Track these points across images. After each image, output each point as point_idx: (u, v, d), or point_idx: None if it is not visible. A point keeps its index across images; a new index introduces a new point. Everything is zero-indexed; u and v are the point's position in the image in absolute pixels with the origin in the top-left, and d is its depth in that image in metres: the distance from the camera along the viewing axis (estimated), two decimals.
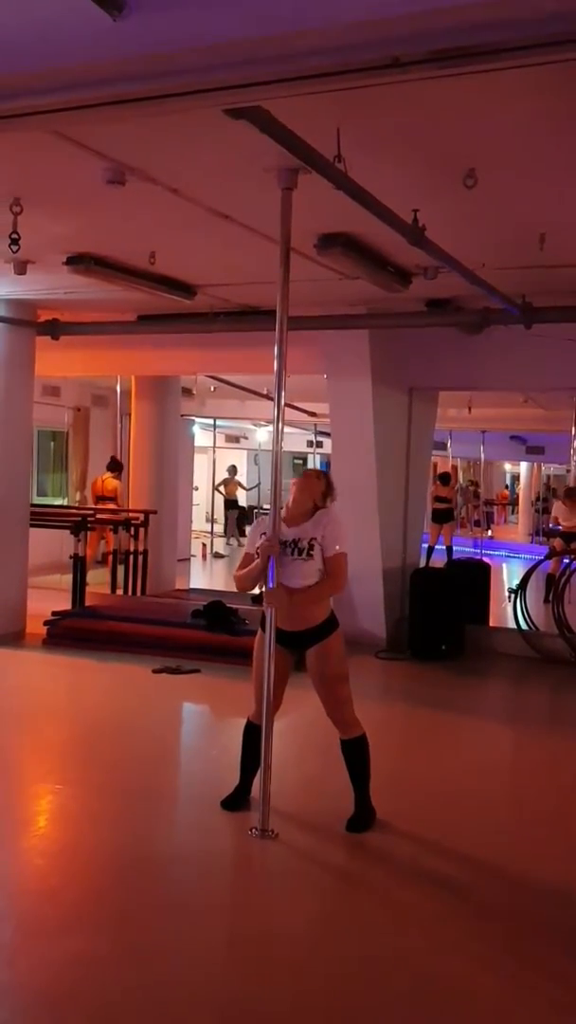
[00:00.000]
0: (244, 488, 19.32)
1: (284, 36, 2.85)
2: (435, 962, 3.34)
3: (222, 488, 18.36)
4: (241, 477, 20.61)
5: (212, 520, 18.79)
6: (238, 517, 21.36)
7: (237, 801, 4.60)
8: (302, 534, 4.39)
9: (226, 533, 18.52)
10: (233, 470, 18.69)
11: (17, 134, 3.83)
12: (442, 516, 15.17)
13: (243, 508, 21.65)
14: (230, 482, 18.58)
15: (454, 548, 15.31)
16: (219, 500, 19.04)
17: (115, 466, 12.76)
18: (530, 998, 3.15)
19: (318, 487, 4.56)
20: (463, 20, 2.73)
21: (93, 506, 12.31)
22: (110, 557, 11.36)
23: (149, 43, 2.95)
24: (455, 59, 2.84)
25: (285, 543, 4.38)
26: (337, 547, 4.40)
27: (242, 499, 20.07)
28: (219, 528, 18.52)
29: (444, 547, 14.97)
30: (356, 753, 4.47)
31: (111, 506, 12.16)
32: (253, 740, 4.52)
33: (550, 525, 13.25)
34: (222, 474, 18.94)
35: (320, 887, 3.98)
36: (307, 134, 3.74)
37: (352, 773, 4.47)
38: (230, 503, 18.62)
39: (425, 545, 14.15)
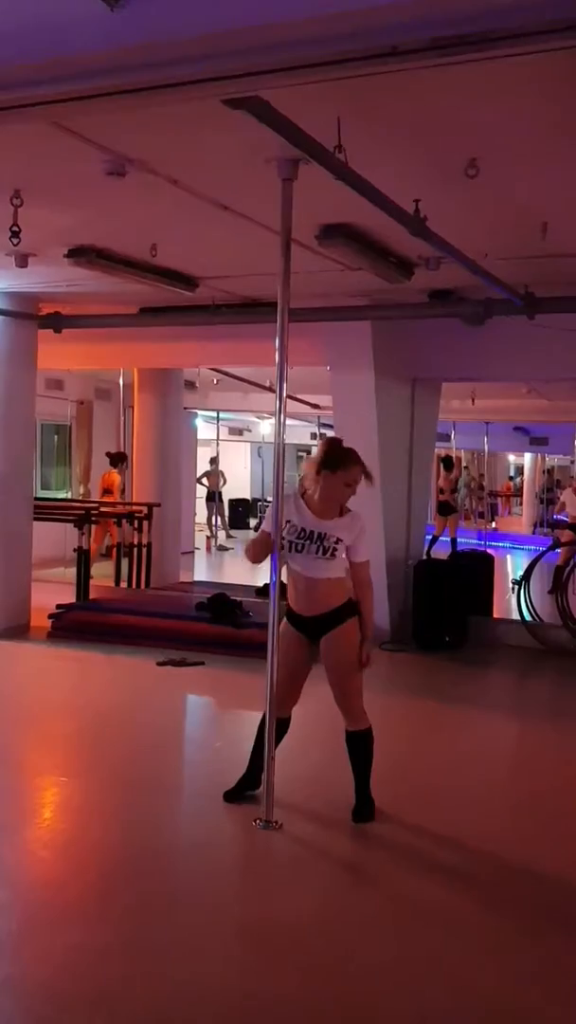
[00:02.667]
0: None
1: (282, 25, 2.82)
2: (440, 953, 3.34)
3: (204, 480, 18.32)
4: (245, 470, 20.59)
5: (217, 513, 18.80)
6: (240, 511, 21.37)
7: (240, 793, 4.59)
8: (329, 531, 4.27)
9: (209, 525, 18.48)
10: (214, 461, 18.65)
11: (16, 126, 3.81)
12: (446, 507, 15.13)
13: (246, 500, 21.65)
14: (212, 474, 18.53)
15: (458, 540, 15.29)
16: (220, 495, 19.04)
17: (118, 459, 12.75)
18: (534, 988, 3.16)
19: (350, 492, 4.32)
20: (462, 7, 2.71)
21: (99, 500, 12.34)
22: (115, 550, 11.38)
23: (147, 32, 2.94)
24: (454, 47, 2.82)
25: (309, 534, 4.27)
26: (364, 556, 4.37)
27: (244, 491, 20.08)
28: (204, 519, 18.50)
29: (449, 539, 14.94)
30: (361, 746, 4.45)
31: (108, 499, 12.18)
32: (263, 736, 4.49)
33: (554, 516, 13.19)
34: (223, 467, 18.92)
35: (324, 878, 3.99)
36: (307, 124, 3.71)
37: (355, 765, 4.46)
38: (211, 495, 18.59)
39: (428, 536, 14.14)
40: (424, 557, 9.62)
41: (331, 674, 4.39)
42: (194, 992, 3.04)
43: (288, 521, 4.33)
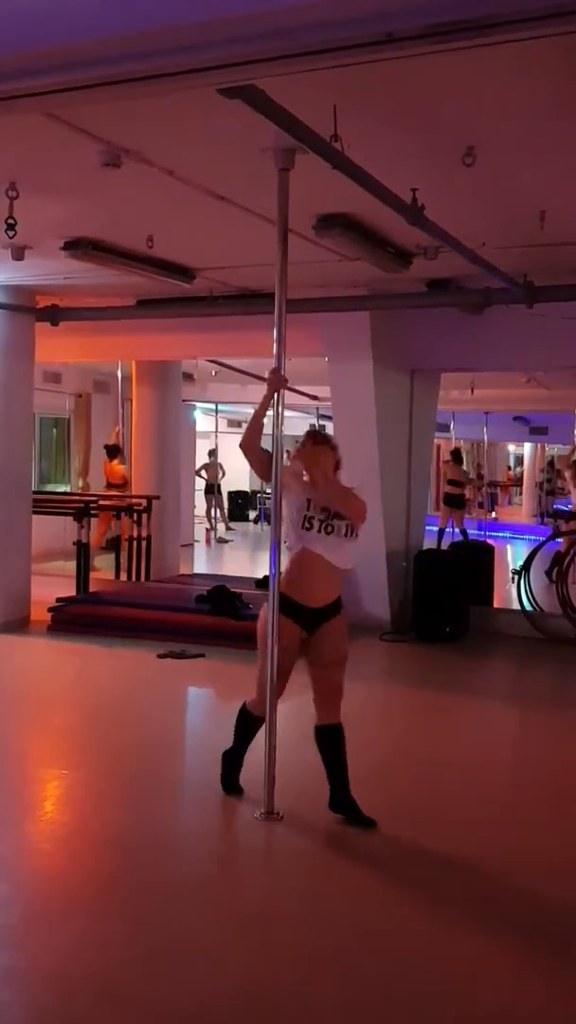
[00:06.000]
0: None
1: (277, 12, 2.81)
2: (439, 943, 3.35)
3: (203, 472, 18.34)
4: (244, 462, 20.56)
5: (216, 505, 18.80)
6: (240, 503, 21.35)
7: (236, 782, 4.57)
8: (340, 510, 4.14)
9: (208, 518, 18.49)
10: (213, 454, 18.67)
11: (10, 117, 3.79)
12: (454, 501, 15.08)
13: (246, 492, 21.63)
14: (211, 466, 18.55)
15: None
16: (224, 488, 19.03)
17: (115, 451, 12.75)
18: (530, 978, 3.16)
19: (331, 459, 4.27)
20: None
21: (104, 493, 12.31)
22: (123, 542, 11.36)
23: (140, 21, 2.92)
24: (450, 34, 2.80)
25: (335, 513, 4.14)
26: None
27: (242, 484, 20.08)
28: (203, 511, 18.50)
29: (458, 531, 14.90)
30: (341, 738, 4.30)
31: (115, 492, 12.15)
32: (249, 729, 4.49)
33: (554, 505, 13.18)
34: (222, 459, 18.92)
35: (325, 869, 3.99)
36: (303, 113, 3.70)
37: (335, 760, 4.29)
38: (210, 487, 18.62)
39: (435, 528, 14.12)
40: (425, 548, 9.61)
41: (325, 668, 4.25)
42: (195, 982, 3.04)
43: (308, 498, 4.19)
